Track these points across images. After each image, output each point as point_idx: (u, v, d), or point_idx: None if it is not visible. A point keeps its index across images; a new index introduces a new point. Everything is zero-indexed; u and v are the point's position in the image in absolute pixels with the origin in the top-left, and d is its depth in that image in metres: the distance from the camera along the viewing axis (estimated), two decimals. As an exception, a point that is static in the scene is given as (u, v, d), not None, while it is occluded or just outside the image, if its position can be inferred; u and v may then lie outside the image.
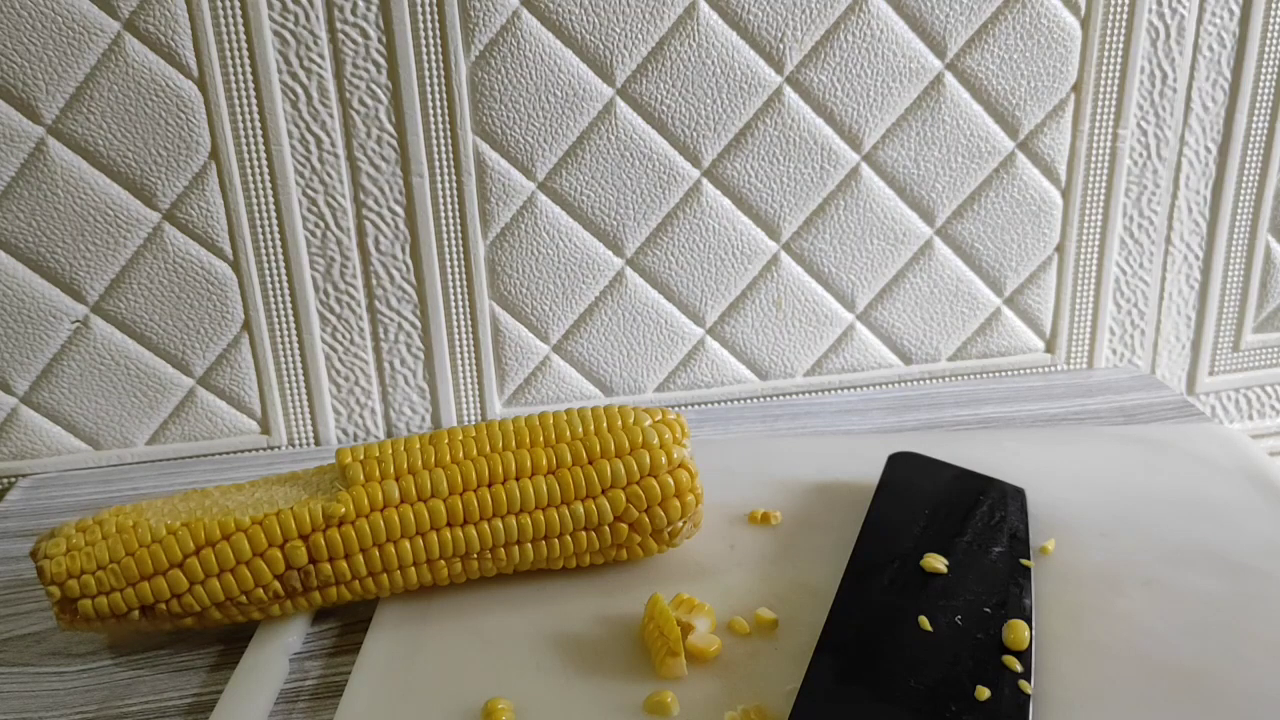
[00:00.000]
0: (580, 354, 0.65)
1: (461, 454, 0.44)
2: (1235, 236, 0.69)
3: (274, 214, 0.59)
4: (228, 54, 0.55)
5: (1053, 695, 0.38)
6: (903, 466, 0.52)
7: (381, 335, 0.63)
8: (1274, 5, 0.63)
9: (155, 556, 0.42)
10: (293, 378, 0.63)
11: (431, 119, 0.58)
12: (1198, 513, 0.49)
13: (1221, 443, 0.55)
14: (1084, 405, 0.64)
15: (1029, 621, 0.41)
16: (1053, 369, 0.71)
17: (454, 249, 0.61)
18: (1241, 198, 0.68)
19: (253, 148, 0.57)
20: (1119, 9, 0.62)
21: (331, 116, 0.58)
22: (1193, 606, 0.42)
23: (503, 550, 0.44)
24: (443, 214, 0.60)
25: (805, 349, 0.67)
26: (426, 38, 0.57)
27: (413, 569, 0.44)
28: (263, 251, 0.60)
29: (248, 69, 0.56)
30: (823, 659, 0.39)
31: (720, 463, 0.55)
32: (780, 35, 0.59)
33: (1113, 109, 0.64)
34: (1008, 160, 0.65)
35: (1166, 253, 0.69)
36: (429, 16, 0.56)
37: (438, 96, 0.58)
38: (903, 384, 0.69)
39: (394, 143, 0.59)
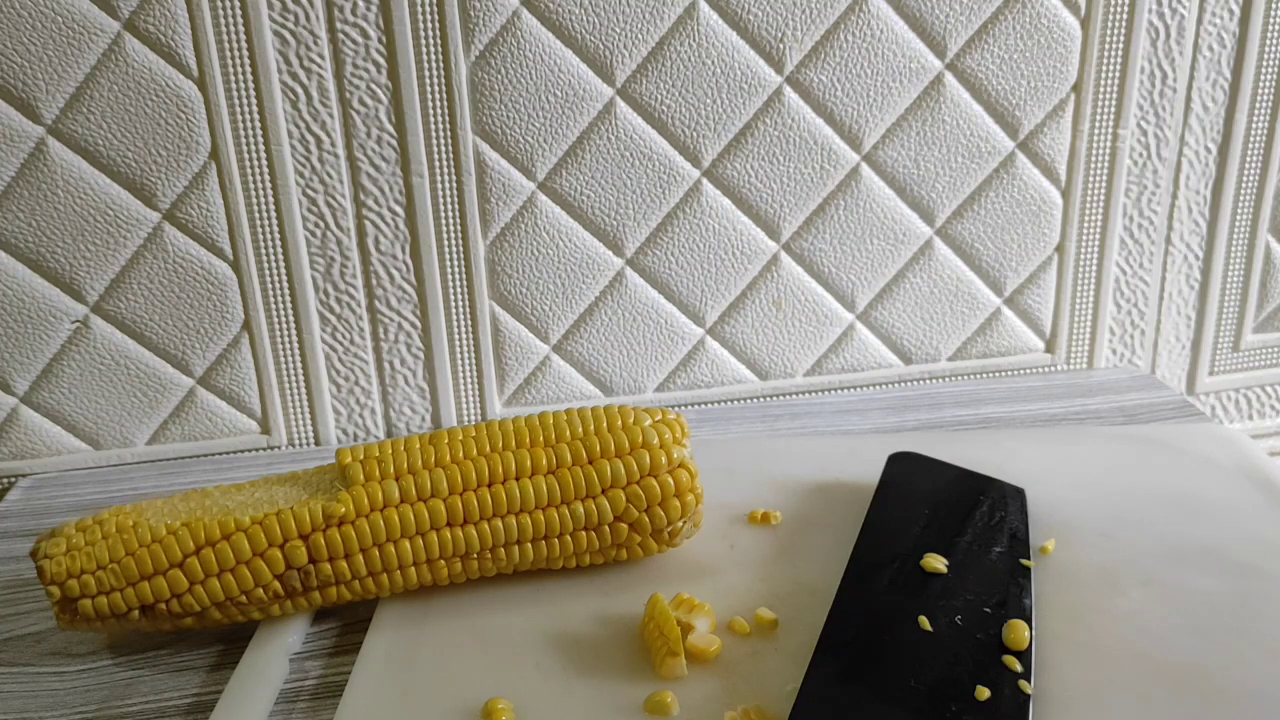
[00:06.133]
0: (580, 354, 0.65)
1: (461, 454, 0.44)
2: (1235, 236, 0.69)
3: (274, 214, 0.59)
4: (228, 54, 0.55)
5: (1053, 695, 0.38)
6: (903, 466, 0.52)
7: (381, 335, 0.63)
8: (1274, 5, 0.63)
9: (155, 556, 0.42)
10: (293, 378, 0.63)
11: (431, 119, 0.58)
12: (1198, 513, 0.49)
13: (1221, 443, 0.55)
14: (1084, 405, 0.64)
15: (1029, 621, 0.41)
16: (1053, 369, 0.71)
17: (454, 249, 0.61)
18: (1241, 198, 0.68)
19: (253, 148, 0.57)
20: (1119, 9, 0.62)
21: (331, 116, 0.58)
22: (1193, 606, 0.42)
23: (503, 550, 0.44)
24: (443, 214, 0.60)
25: (805, 349, 0.67)
26: (426, 38, 0.57)
27: (413, 569, 0.44)
28: (263, 251, 0.60)
29: (248, 69, 0.56)
30: (823, 659, 0.39)
31: (720, 463, 0.55)
32: (780, 35, 0.59)
33: (1113, 109, 0.64)
34: (1008, 160, 0.65)
35: (1166, 253, 0.69)
36: (429, 16, 0.56)
37: (438, 96, 0.58)
38: (903, 384, 0.69)
39: (394, 143, 0.59)
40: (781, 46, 0.60)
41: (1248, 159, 0.67)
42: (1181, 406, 0.64)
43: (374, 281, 0.61)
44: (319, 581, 0.43)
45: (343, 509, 0.42)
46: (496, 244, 0.62)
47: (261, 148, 0.57)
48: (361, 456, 0.44)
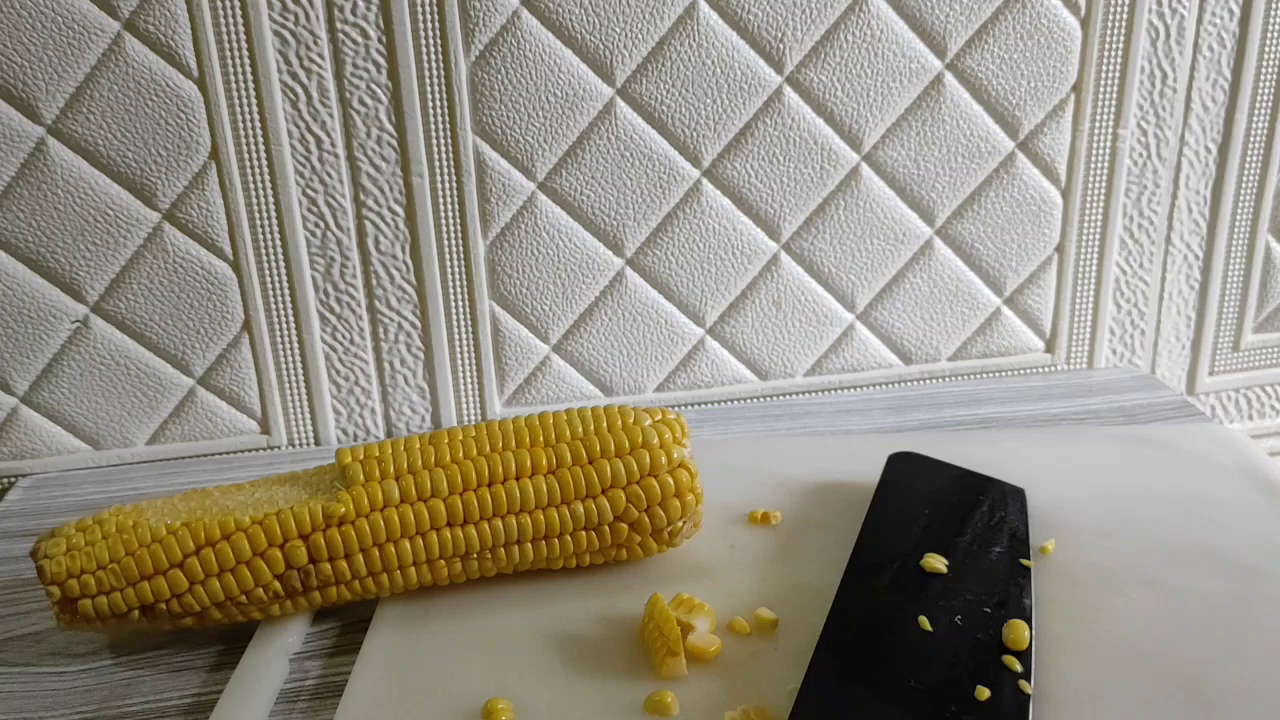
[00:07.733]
0: (580, 354, 0.65)
1: (461, 454, 0.44)
2: (1235, 236, 0.69)
3: (274, 214, 0.59)
4: (228, 54, 0.55)
5: (1053, 695, 0.38)
6: (903, 466, 0.52)
7: (381, 335, 0.63)
8: (1274, 5, 0.63)
9: (155, 556, 0.42)
10: (293, 378, 0.63)
11: (431, 119, 0.58)
12: (1198, 513, 0.49)
13: (1221, 443, 0.55)
14: (1084, 405, 0.64)
15: (1029, 621, 0.41)
16: (1053, 369, 0.71)
17: (454, 249, 0.61)
18: (1241, 198, 0.68)
19: (253, 148, 0.57)
20: (1119, 9, 0.62)
21: (331, 116, 0.58)
22: (1193, 606, 0.42)
23: (503, 550, 0.44)
24: (443, 214, 0.60)
25: (805, 349, 0.67)
26: (426, 38, 0.57)
27: (413, 569, 0.44)
28: (263, 251, 0.60)
29: (248, 69, 0.56)
30: (823, 659, 0.39)
31: (720, 463, 0.55)
32: (780, 35, 0.59)
33: (1113, 109, 0.64)
34: (1008, 160, 0.65)
35: (1166, 253, 0.69)
36: (429, 16, 0.56)
37: (438, 96, 0.58)
38: (903, 384, 0.69)
39: (394, 143, 0.59)
40: (781, 46, 0.60)
41: (1248, 159, 0.67)
42: (1181, 406, 0.64)
43: (374, 281, 0.61)
44: (319, 581, 0.43)
45: (343, 509, 0.42)
46: (496, 244, 0.62)
47: (261, 148, 0.57)
48: (361, 456, 0.44)
